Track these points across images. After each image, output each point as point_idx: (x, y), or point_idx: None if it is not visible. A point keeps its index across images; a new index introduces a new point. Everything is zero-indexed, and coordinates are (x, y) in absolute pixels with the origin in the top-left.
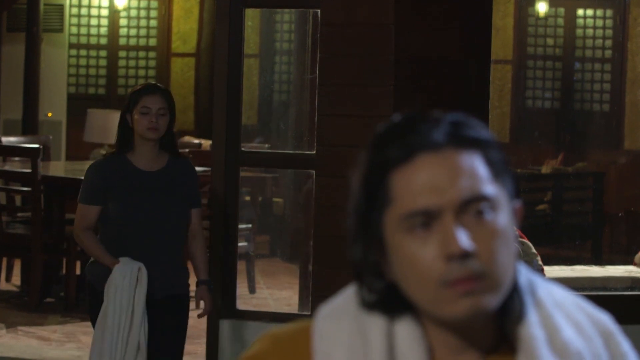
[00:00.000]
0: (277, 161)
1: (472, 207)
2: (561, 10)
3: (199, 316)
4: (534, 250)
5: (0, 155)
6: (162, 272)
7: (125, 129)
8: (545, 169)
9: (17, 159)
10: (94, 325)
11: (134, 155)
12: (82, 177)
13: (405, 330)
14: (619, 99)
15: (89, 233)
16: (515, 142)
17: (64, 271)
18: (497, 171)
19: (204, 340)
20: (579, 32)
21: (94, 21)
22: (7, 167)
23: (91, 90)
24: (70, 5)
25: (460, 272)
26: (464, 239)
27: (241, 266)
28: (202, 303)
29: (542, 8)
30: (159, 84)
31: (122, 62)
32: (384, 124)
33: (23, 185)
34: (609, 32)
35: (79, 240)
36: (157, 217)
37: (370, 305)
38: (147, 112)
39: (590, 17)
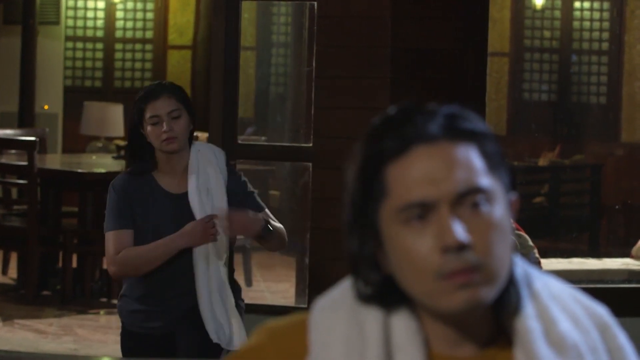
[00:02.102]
0: (274, 154)
1: (467, 199)
2: (558, 2)
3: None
4: (530, 242)
5: None
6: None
7: (141, 145)
8: (542, 162)
9: (13, 151)
10: None
11: (158, 174)
12: (79, 170)
13: (402, 323)
14: (616, 92)
15: (124, 250)
16: (512, 135)
17: (60, 264)
18: (493, 163)
19: None
20: (576, 24)
21: (90, 13)
22: (3, 160)
23: (87, 83)
24: None
25: (457, 264)
26: (459, 230)
27: (238, 259)
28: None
29: (539, 0)
30: (163, 82)
31: (118, 55)
32: (379, 116)
33: (19, 178)
34: (606, 24)
35: (121, 266)
36: (187, 250)
37: (366, 297)
38: (157, 122)
39: (587, 10)
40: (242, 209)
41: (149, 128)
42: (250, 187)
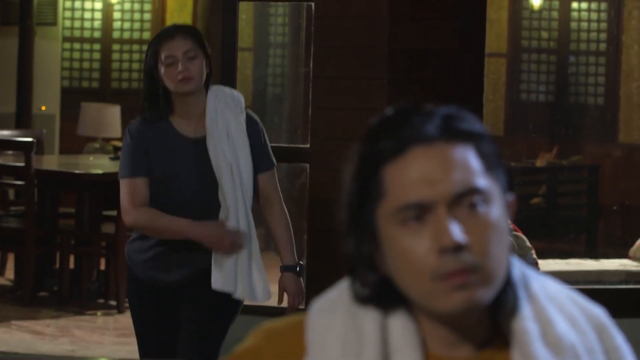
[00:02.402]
0: None
1: (465, 200)
2: (556, 3)
3: (287, 312)
4: (528, 243)
5: None
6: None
7: (157, 90)
8: (539, 162)
9: (10, 152)
10: (134, 319)
11: (174, 118)
12: (77, 171)
13: (399, 324)
14: (613, 92)
15: (146, 209)
16: (510, 136)
17: (57, 265)
18: (490, 164)
19: None
20: (574, 25)
21: (87, 14)
22: (0, 161)
23: (85, 84)
24: None
25: (454, 264)
26: (457, 231)
27: None
28: (285, 296)
29: (536, 1)
30: (179, 23)
31: (116, 56)
32: (377, 117)
33: (16, 179)
34: (604, 25)
35: (138, 222)
36: (209, 197)
37: (363, 298)
38: (172, 62)
39: (585, 10)
40: (254, 160)
41: (163, 69)
42: (265, 138)
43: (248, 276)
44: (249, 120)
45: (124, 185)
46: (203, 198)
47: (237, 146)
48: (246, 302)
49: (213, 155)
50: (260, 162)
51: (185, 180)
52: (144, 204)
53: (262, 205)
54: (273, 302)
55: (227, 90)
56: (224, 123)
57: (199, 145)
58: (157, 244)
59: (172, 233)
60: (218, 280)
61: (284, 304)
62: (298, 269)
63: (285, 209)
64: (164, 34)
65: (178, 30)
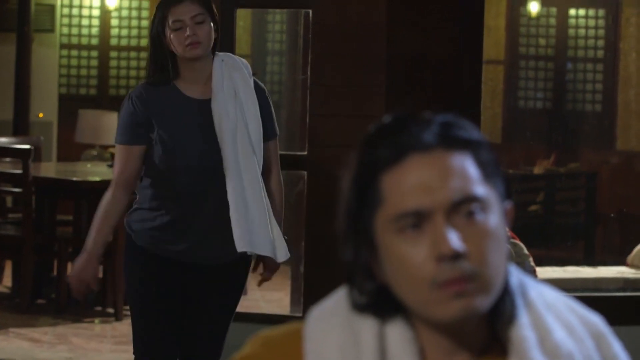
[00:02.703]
0: None
1: (462, 208)
2: (553, 10)
3: (258, 284)
4: (526, 251)
5: None
6: (223, 236)
7: (163, 55)
8: (537, 170)
9: (8, 159)
10: (133, 293)
11: (180, 82)
12: (74, 178)
13: (397, 332)
14: (611, 99)
15: (123, 201)
16: (508, 143)
17: (55, 272)
18: (488, 172)
19: None
20: (571, 32)
21: (85, 21)
22: None
23: (82, 91)
24: (62, 6)
25: (451, 273)
26: (454, 239)
27: None
28: (260, 267)
29: (534, 8)
30: None
31: (113, 63)
32: (374, 124)
33: (14, 186)
34: (601, 32)
35: (109, 200)
36: (215, 158)
37: (361, 306)
38: (180, 27)
39: (583, 17)
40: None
41: (171, 35)
42: (272, 107)
43: (269, 234)
44: (257, 86)
45: (118, 151)
46: (209, 159)
47: (245, 107)
48: (243, 310)
49: (216, 116)
50: (265, 129)
51: (192, 140)
52: (130, 179)
53: (262, 173)
54: (272, 309)
55: (234, 56)
56: (232, 84)
57: (205, 107)
58: (164, 214)
59: (93, 230)
60: (242, 241)
61: (258, 272)
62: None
63: (282, 181)
64: (171, 0)
65: None
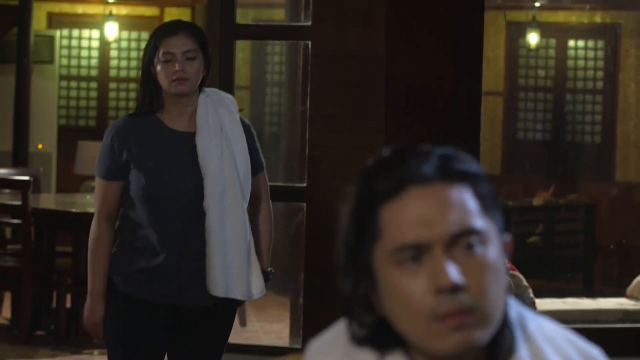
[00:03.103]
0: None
1: (461, 240)
2: (552, 41)
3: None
4: (525, 283)
5: None
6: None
7: (150, 85)
8: (536, 201)
9: (7, 191)
10: (113, 342)
11: (164, 115)
12: (73, 210)
13: None
14: (610, 131)
15: (109, 232)
16: (507, 174)
17: (54, 304)
18: (487, 205)
19: None
20: (570, 63)
21: (84, 53)
22: None
23: (82, 122)
24: (61, 37)
25: (450, 306)
26: (453, 272)
27: None
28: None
29: (533, 39)
30: (183, 20)
31: (112, 94)
32: (373, 157)
33: (13, 218)
34: (600, 63)
35: (95, 234)
36: (200, 193)
37: (360, 339)
38: (169, 60)
39: (582, 49)
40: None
41: (159, 67)
42: (257, 141)
43: (246, 276)
44: (243, 122)
45: (98, 184)
46: (194, 193)
47: (232, 142)
48: (242, 342)
49: (200, 151)
50: (254, 163)
51: (175, 173)
52: (111, 212)
53: (250, 202)
54: (271, 341)
55: (220, 92)
56: (217, 119)
57: (190, 140)
58: (148, 254)
59: (93, 268)
60: (216, 286)
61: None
62: (269, 275)
63: (272, 210)
64: (166, 30)
65: (181, 27)
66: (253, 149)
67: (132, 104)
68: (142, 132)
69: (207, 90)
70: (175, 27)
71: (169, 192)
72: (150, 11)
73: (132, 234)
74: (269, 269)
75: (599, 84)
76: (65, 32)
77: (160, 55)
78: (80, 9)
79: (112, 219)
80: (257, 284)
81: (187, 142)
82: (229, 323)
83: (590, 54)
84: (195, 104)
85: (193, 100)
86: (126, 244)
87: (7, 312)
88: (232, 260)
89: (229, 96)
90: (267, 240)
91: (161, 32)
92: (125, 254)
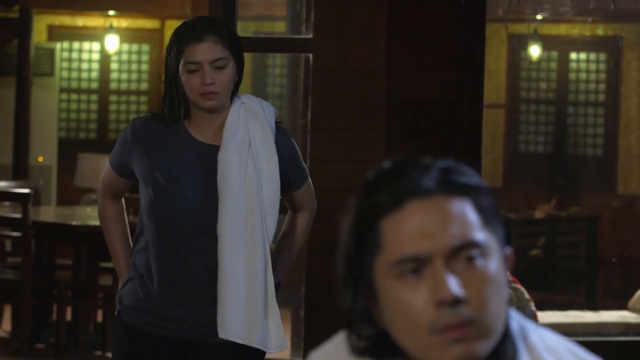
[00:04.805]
0: None
1: (462, 253)
2: (554, 54)
3: None
4: (527, 295)
5: None
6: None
7: (174, 94)
8: (538, 214)
9: (7, 204)
10: None
11: (191, 123)
12: (74, 222)
13: None
14: (612, 143)
15: (116, 207)
16: (508, 187)
17: (54, 317)
18: (488, 217)
19: None
20: (572, 75)
21: (84, 65)
22: None
23: (82, 135)
24: (61, 49)
25: (451, 318)
26: (454, 285)
27: None
28: None
29: (535, 52)
30: (209, 17)
31: (113, 107)
32: (374, 170)
33: (13, 230)
34: (603, 75)
35: (101, 211)
36: (213, 215)
37: (360, 351)
38: (196, 70)
39: (584, 61)
40: (289, 177)
41: (184, 76)
42: (298, 152)
43: (262, 321)
44: (281, 131)
45: (108, 172)
46: (210, 214)
47: (261, 161)
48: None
49: (221, 168)
50: (295, 178)
51: (191, 188)
52: (117, 193)
53: (294, 209)
54: (272, 354)
55: (255, 99)
56: (247, 134)
57: (212, 153)
58: (158, 282)
59: (110, 250)
60: (226, 328)
61: None
62: (278, 287)
63: (310, 225)
64: (190, 35)
65: (207, 30)
66: (296, 162)
67: (132, 117)
68: (163, 137)
69: (243, 96)
70: (201, 30)
71: (183, 207)
72: (151, 24)
73: (144, 258)
74: (279, 282)
75: (601, 97)
76: (65, 44)
77: (183, 62)
78: (80, 21)
79: (118, 197)
80: (276, 334)
81: (210, 155)
82: None
83: (592, 66)
84: (226, 112)
85: (225, 108)
86: (137, 270)
87: (7, 324)
88: (244, 301)
89: (269, 105)
90: (289, 254)
91: (184, 37)
92: (135, 282)
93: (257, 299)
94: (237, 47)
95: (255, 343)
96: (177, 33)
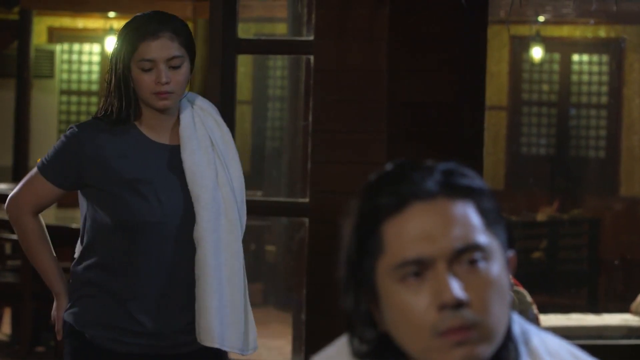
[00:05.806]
0: (270, 209)
1: (465, 256)
2: (556, 55)
3: None
4: (529, 298)
5: None
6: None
7: (125, 92)
8: (540, 216)
9: None
10: None
11: (143, 124)
12: (73, 225)
13: None
14: (614, 145)
15: (39, 223)
16: (510, 189)
17: None
18: (490, 220)
19: None
20: (574, 77)
21: (84, 67)
22: None
23: None
24: (61, 51)
25: (453, 321)
26: (456, 288)
27: None
28: None
29: (537, 54)
30: (164, 13)
31: None
32: (376, 172)
33: (13, 233)
34: (605, 77)
35: (23, 230)
36: (189, 218)
37: (362, 355)
38: (150, 68)
39: (586, 63)
40: None
41: (136, 74)
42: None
43: (242, 323)
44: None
45: (39, 185)
46: (182, 218)
47: (227, 157)
48: (244, 358)
49: (189, 169)
50: None
51: (162, 192)
52: (39, 209)
53: None
54: (274, 357)
55: (200, 97)
56: (206, 131)
57: (176, 154)
58: (125, 296)
59: (41, 269)
60: (207, 334)
61: None
62: None
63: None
64: (143, 31)
65: (162, 26)
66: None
67: None
68: (118, 142)
69: (187, 94)
70: (156, 26)
71: (151, 214)
72: None
73: (103, 274)
74: None
75: (603, 99)
76: (65, 46)
77: (136, 59)
78: (80, 23)
79: (40, 212)
80: (253, 335)
81: (174, 156)
82: None
83: (595, 68)
84: (177, 112)
85: (175, 108)
86: (95, 285)
87: (7, 328)
88: (227, 306)
89: (211, 104)
90: None
91: (138, 33)
92: (94, 299)
93: (238, 301)
94: (192, 44)
95: (235, 348)
96: (130, 28)
